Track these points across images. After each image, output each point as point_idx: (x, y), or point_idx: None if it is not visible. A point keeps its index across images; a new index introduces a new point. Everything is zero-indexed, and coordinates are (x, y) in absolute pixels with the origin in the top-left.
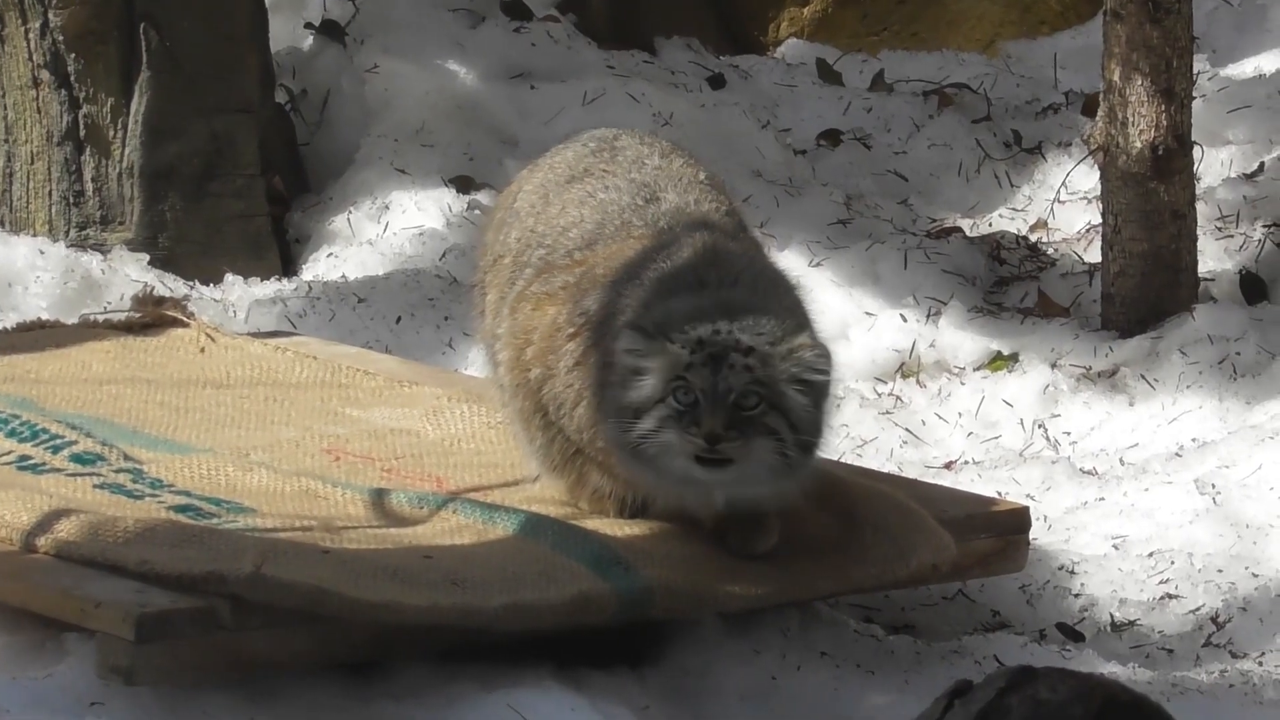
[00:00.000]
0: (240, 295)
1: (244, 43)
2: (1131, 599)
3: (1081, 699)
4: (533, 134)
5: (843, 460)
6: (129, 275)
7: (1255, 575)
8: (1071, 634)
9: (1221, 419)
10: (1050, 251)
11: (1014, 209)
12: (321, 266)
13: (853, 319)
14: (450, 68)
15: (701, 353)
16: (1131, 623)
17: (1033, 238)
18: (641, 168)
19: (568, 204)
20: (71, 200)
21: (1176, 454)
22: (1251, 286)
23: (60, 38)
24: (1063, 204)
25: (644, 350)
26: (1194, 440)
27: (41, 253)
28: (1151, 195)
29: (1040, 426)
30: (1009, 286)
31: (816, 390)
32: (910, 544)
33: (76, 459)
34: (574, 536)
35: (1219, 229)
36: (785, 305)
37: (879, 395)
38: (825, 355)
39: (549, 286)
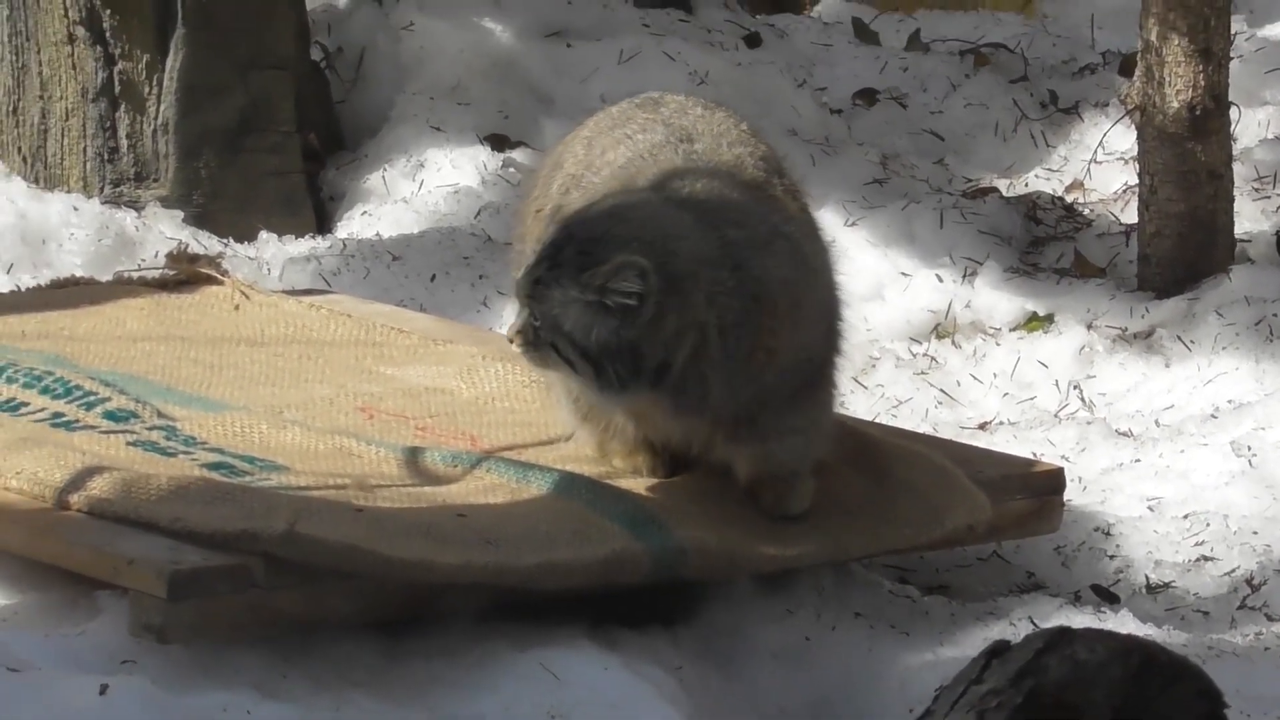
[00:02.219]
0: (274, 253)
1: (280, 0)
2: (1167, 561)
3: (1119, 660)
4: (568, 92)
5: (877, 420)
6: (163, 232)
7: None
8: (1107, 596)
9: (1258, 380)
10: (1086, 212)
11: (1050, 169)
12: (356, 224)
13: (888, 279)
14: (486, 25)
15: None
16: (1167, 585)
17: (1069, 198)
18: (684, 115)
19: (606, 147)
20: (106, 157)
21: (1212, 416)
22: None
23: None
24: (1099, 164)
25: None
26: (1230, 402)
27: (76, 209)
28: (1188, 156)
29: (1075, 388)
30: (1045, 247)
31: (618, 311)
32: (945, 505)
33: (110, 416)
34: (608, 496)
35: (1256, 190)
36: (648, 237)
37: (914, 356)
38: (624, 271)
39: None
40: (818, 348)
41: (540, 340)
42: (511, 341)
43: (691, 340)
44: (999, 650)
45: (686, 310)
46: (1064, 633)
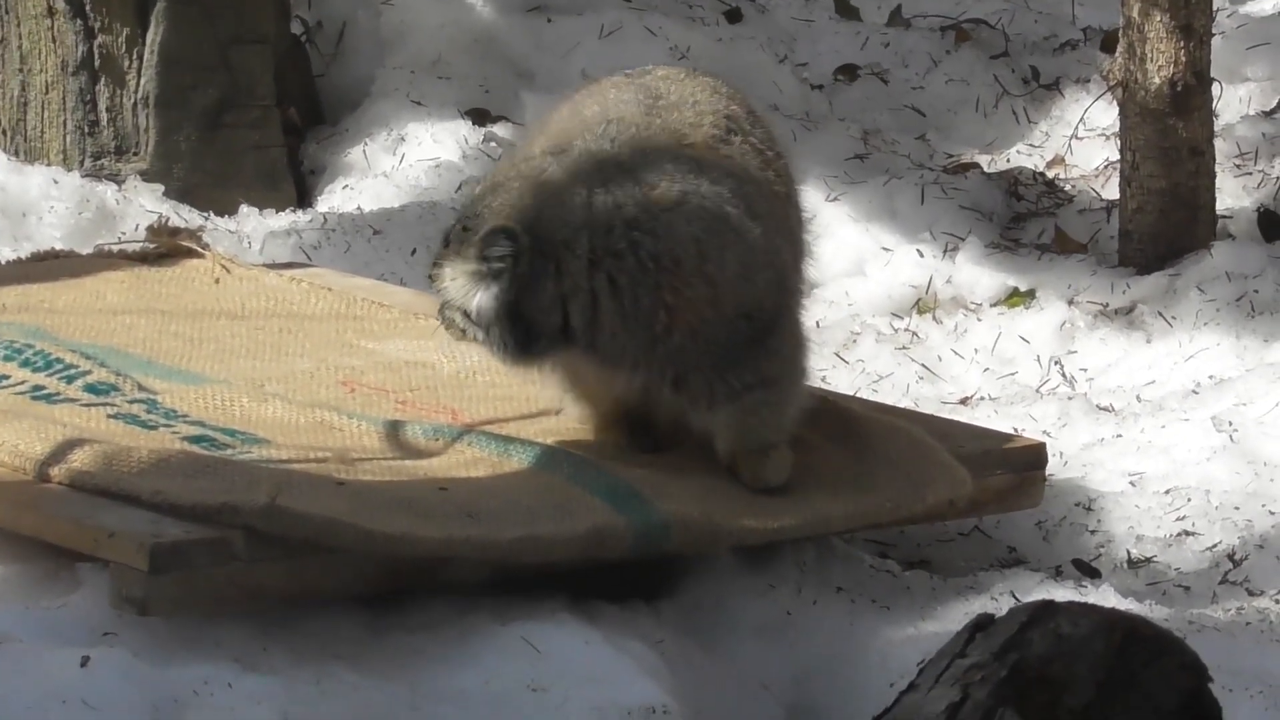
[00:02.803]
0: (255, 226)
1: None
2: (1148, 536)
3: (1103, 633)
4: (549, 67)
5: (858, 395)
6: (144, 206)
7: (1272, 513)
8: (1088, 570)
9: (1239, 356)
10: (1068, 188)
11: (1031, 145)
12: (337, 198)
13: (869, 254)
14: (466, 0)
15: None
16: (1148, 560)
17: (1050, 174)
18: (662, 81)
19: (584, 108)
20: (86, 130)
21: (1194, 391)
22: (1270, 224)
23: None
24: (1080, 140)
25: None
26: (1211, 378)
27: (56, 182)
28: (1170, 132)
29: (1057, 363)
30: (1026, 223)
31: (495, 276)
32: (926, 479)
33: (90, 389)
34: (590, 470)
35: (1238, 166)
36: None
37: (895, 331)
38: (494, 236)
39: None
40: (760, 302)
41: (447, 317)
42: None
43: (582, 302)
44: (983, 624)
45: (565, 274)
46: (1048, 606)
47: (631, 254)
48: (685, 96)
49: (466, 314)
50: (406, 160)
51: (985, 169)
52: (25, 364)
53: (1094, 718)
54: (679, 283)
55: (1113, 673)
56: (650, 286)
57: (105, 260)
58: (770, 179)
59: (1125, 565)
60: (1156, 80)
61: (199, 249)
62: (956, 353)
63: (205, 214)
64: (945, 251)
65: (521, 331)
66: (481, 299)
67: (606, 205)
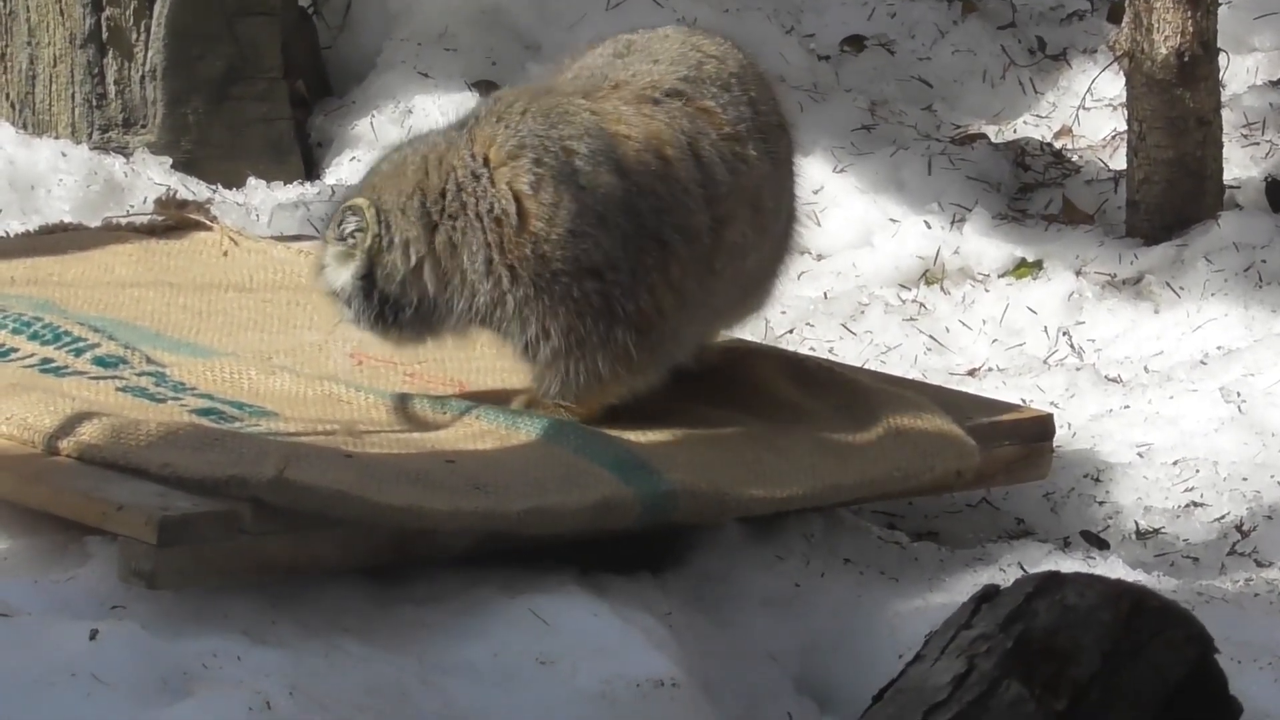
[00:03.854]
0: (263, 199)
1: None
2: (1156, 507)
3: (1109, 604)
4: (555, 38)
5: (866, 366)
6: (151, 178)
7: None
8: (1096, 542)
9: (1247, 327)
10: (1075, 158)
11: (1039, 115)
12: (344, 170)
13: (877, 225)
14: None
15: None
16: (1156, 531)
17: (1057, 144)
18: (647, 37)
19: (571, 68)
20: (94, 103)
21: (1201, 362)
22: (1277, 194)
23: None
24: (1087, 111)
25: None
26: (1219, 348)
27: (64, 155)
28: (1177, 102)
29: (1064, 334)
30: (1033, 193)
31: (353, 252)
32: (934, 449)
33: (99, 362)
34: (597, 441)
35: (1245, 136)
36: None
37: (903, 302)
38: (346, 215)
39: None
40: (613, 258)
41: (337, 303)
42: None
43: (428, 266)
44: (989, 595)
45: (404, 240)
46: (1054, 577)
47: (463, 214)
48: (654, 54)
49: (338, 294)
50: (414, 132)
51: (992, 140)
52: (34, 337)
53: (1100, 688)
54: (518, 239)
55: (1119, 644)
56: (485, 244)
57: (113, 233)
58: (714, 140)
59: (1133, 536)
60: (1163, 50)
61: (207, 221)
62: (964, 324)
63: (213, 186)
64: (953, 222)
65: (381, 305)
66: (340, 276)
67: (439, 170)
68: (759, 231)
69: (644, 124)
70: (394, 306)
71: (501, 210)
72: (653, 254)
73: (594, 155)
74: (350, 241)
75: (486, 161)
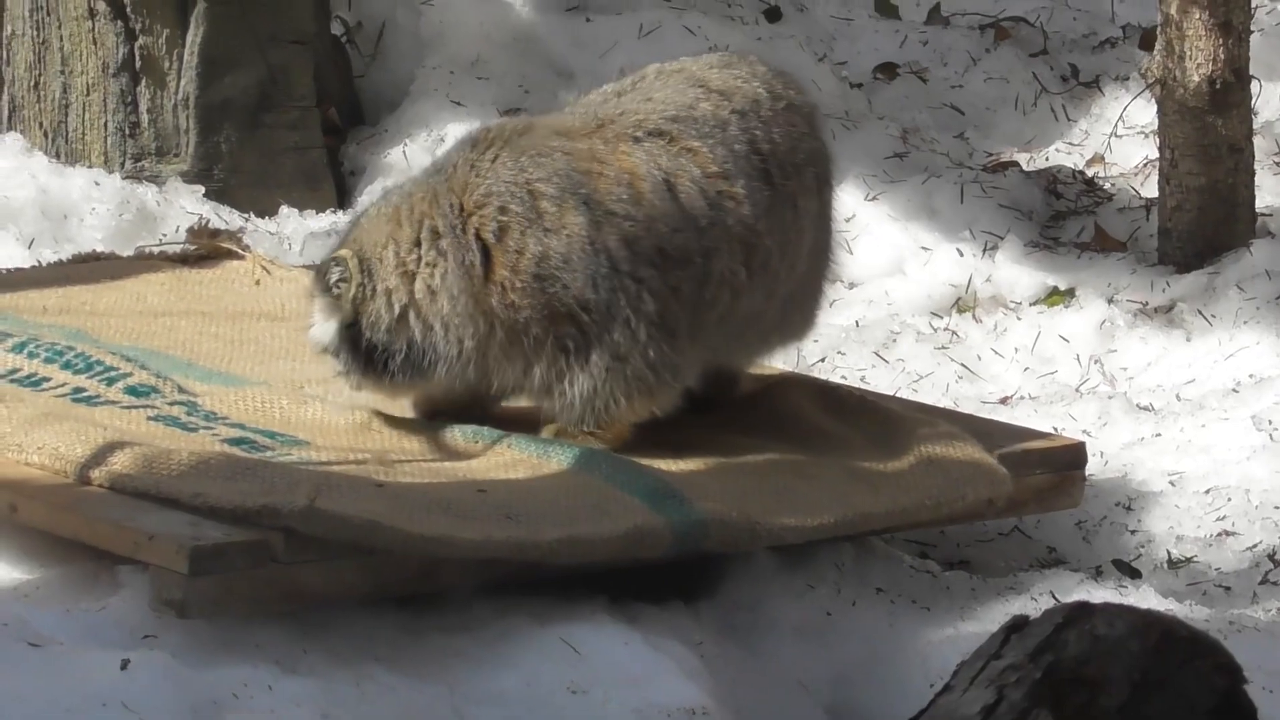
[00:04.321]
0: (295, 227)
1: None
2: (1188, 536)
3: (1138, 634)
4: (588, 66)
5: (898, 394)
6: (184, 207)
7: None
8: (1128, 570)
9: (1279, 354)
10: (1107, 186)
11: (1071, 143)
12: None
13: (909, 253)
14: (506, 0)
15: None
16: (1188, 560)
17: (1089, 172)
18: (654, 70)
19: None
20: (127, 132)
21: (1234, 390)
22: None
23: None
24: (1119, 138)
25: None
26: (1251, 376)
27: (97, 184)
28: (1209, 129)
29: (1097, 362)
30: (1065, 221)
31: (340, 303)
32: (966, 478)
33: (131, 391)
34: (628, 470)
35: (1277, 164)
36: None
37: (935, 330)
38: (332, 266)
39: None
40: (583, 299)
41: (326, 355)
42: None
43: (412, 314)
44: (1018, 625)
45: (386, 289)
46: (1083, 608)
47: (442, 261)
48: (650, 91)
49: (327, 348)
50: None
51: (1024, 167)
52: (66, 366)
53: (1129, 718)
54: (490, 287)
55: (1148, 673)
56: (465, 290)
57: (146, 262)
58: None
59: (1165, 565)
60: (1195, 78)
61: (239, 250)
62: (996, 352)
63: (245, 215)
64: (985, 250)
65: (369, 353)
66: (328, 329)
67: (411, 219)
68: (757, 269)
69: (617, 161)
70: (383, 354)
71: (471, 260)
72: (628, 291)
73: (561, 196)
74: (335, 292)
75: (461, 209)
